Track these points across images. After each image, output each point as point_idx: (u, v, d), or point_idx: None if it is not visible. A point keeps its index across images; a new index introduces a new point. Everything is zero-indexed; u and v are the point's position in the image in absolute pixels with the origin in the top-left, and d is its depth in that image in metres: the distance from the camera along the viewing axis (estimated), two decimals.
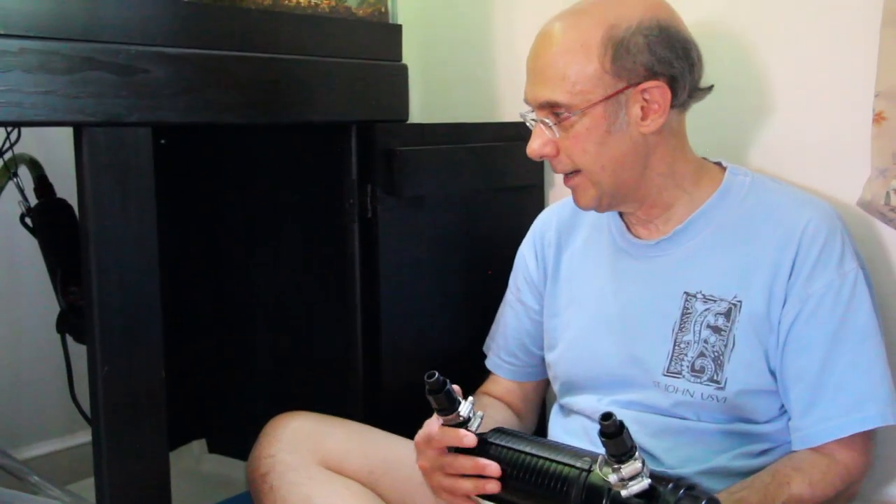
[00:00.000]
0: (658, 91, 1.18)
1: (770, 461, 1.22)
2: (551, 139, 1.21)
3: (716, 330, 1.21)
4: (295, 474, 1.24)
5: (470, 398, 1.12)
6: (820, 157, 1.43)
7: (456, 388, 1.10)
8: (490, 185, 1.65)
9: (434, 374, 1.07)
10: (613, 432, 0.95)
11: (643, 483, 0.97)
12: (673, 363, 1.23)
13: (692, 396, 1.21)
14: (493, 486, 1.10)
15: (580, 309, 1.34)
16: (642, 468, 0.97)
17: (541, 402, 1.51)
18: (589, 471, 1.03)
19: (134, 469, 1.16)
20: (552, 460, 1.06)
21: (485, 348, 1.50)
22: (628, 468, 0.96)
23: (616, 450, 0.96)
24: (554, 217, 1.42)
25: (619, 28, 1.17)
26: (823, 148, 1.43)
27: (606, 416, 0.95)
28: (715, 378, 1.21)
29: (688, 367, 1.22)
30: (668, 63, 1.18)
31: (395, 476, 1.27)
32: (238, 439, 1.57)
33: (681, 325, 1.23)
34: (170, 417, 1.21)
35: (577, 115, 1.18)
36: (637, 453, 0.96)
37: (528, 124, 1.25)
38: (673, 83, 1.19)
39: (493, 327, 1.49)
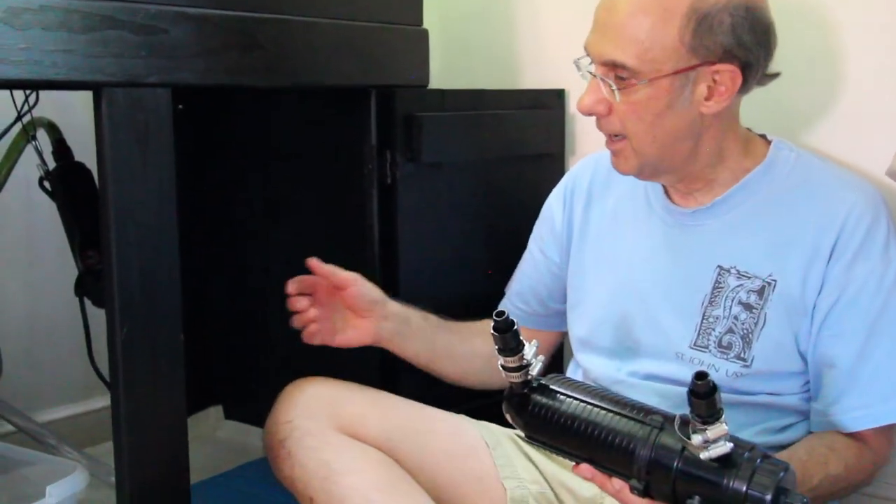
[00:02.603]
0: (730, 75, 1.14)
1: (792, 437, 1.21)
2: (605, 98, 1.16)
3: (747, 307, 1.19)
4: (313, 440, 1.23)
5: (534, 341, 1.09)
6: (852, 126, 1.41)
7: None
8: (510, 152, 1.63)
9: (504, 313, 1.04)
10: (707, 392, 0.92)
11: (726, 447, 0.95)
12: (700, 337, 1.21)
13: (717, 372, 1.20)
14: None
15: (608, 271, 1.32)
16: (727, 431, 0.95)
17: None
18: (661, 429, 1.00)
19: (152, 432, 1.16)
20: (620, 414, 1.03)
21: (507, 288, 1.49)
22: (715, 430, 0.94)
23: (706, 411, 0.93)
24: (589, 170, 1.39)
25: (707, 1, 1.12)
26: (856, 117, 1.41)
27: (701, 376, 0.92)
28: (742, 356, 1.19)
29: (715, 342, 1.20)
30: (747, 48, 1.13)
31: (413, 442, 1.27)
32: (254, 406, 1.57)
33: (711, 298, 1.21)
34: (186, 384, 1.20)
35: (644, 83, 1.13)
36: (723, 416, 0.94)
37: (581, 75, 1.19)
38: (746, 69, 1.15)
39: (514, 275, 1.48)
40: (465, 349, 1.41)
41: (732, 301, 1.20)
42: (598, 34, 1.17)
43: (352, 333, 1.35)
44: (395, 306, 1.37)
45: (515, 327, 1.05)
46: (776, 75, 1.21)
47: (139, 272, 1.13)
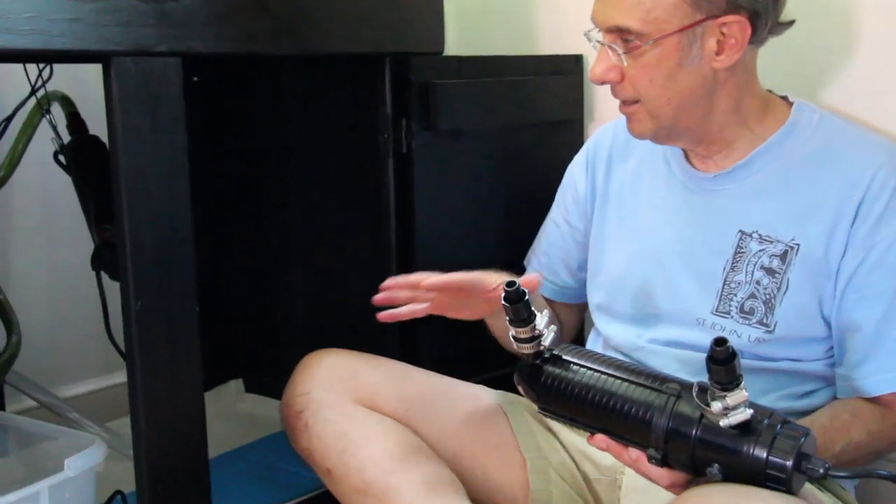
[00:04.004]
0: (738, 26, 1.11)
1: (814, 403, 1.19)
2: (616, 65, 1.15)
3: (769, 272, 1.17)
4: (330, 411, 1.22)
5: (546, 311, 1.08)
6: (875, 85, 1.38)
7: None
8: (528, 119, 1.61)
9: (514, 283, 1.03)
10: (726, 358, 0.91)
11: (746, 413, 0.94)
12: (722, 302, 1.20)
13: (739, 338, 1.18)
14: None
15: (627, 236, 1.30)
16: (747, 398, 0.93)
17: (568, 330, 1.47)
18: (678, 397, 0.99)
19: (169, 404, 1.16)
20: (635, 383, 1.02)
21: (525, 262, 1.46)
22: (735, 397, 0.92)
23: (726, 377, 0.92)
24: (609, 136, 1.37)
25: None
26: (878, 76, 1.37)
27: (720, 342, 0.91)
28: (764, 321, 1.17)
29: (737, 307, 1.19)
30: None
31: (431, 412, 1.26)
32: (275, 379, 1.56)
33: (733, 263, 1.19)
34: (206, 358, 1.20)
35: (649, 44, 1.12)
36: (743, 382, 0.93)
37: (592, 45, 1.18)
38: (755, 19, 1.12)
39: (536, 243, 1.45)
40: None
41: (754, 266, 1.18)
42: (601, 2, 1.16)
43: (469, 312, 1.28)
44: None
45: (527, 297, 1.04)
46: (790, 23, 1.18)
47: (152, 245, 1.12)
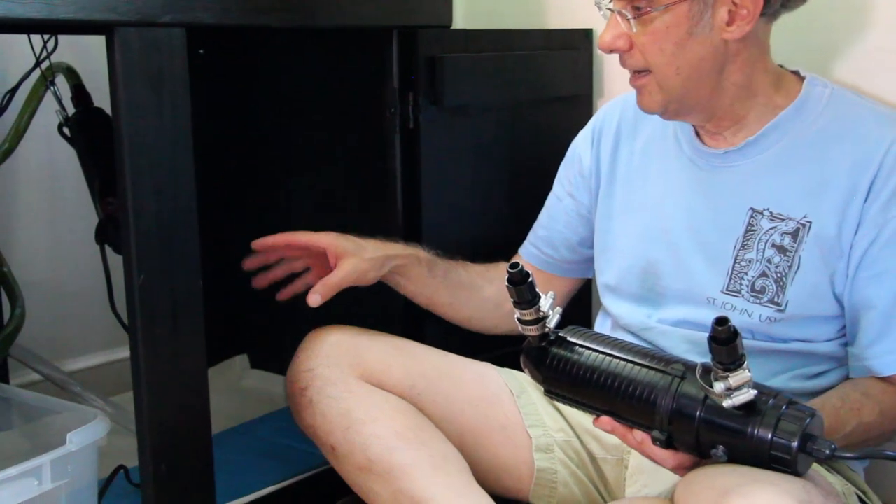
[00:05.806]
0: None
1: (825, 384, 1.18)
2: (626, 33, 1.14)
3: (781, 250, 1.16)
4: (334, 388, 1.22)
5: (550, 293, 1.07)
6: (888, 60, 1.36)
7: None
8: (536, 94, 1.60)
9: (518, 265, 1.02)
10: (727, 338, 0.90)
11: (749, 394, 0.93)
12: (732, 281, 1.18)
13: (750, 317, 1.17)
14: None
15: (636, 215, 1.29)
16: (751, 378, 0.93)
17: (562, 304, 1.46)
18: (682, 378, 0.98)
19: (172, 379, 1.15)
20: (640, 364, 1.01)
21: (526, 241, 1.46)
22: (737, 377, 0.92)
23: (728, 358, 0.91)
24: (617, 111, 1.36)
25: None
26: (891, 50, 1.35)
27: (721, 321, 0.90)
28: (776, 300, 1.16)
29: (748, 286, 1.17)
30: None
31: (436, 390, 1.25)
32: (280, 355, 1.56)
33: (743, 242, 1.18)
34: (211, 333, 1.19)
35: (660, 10, 1.11)
36: (745, 362, 0.92)
37: (602, 14, 1.17)
38: None
39: (538, 220, 1.44)
40: (479, 284, 1.40)
41: (766, 244, 1.17)
42: None
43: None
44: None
45: (531, 279, 1.03)
46: None
47: (156, 218, 1.11)
